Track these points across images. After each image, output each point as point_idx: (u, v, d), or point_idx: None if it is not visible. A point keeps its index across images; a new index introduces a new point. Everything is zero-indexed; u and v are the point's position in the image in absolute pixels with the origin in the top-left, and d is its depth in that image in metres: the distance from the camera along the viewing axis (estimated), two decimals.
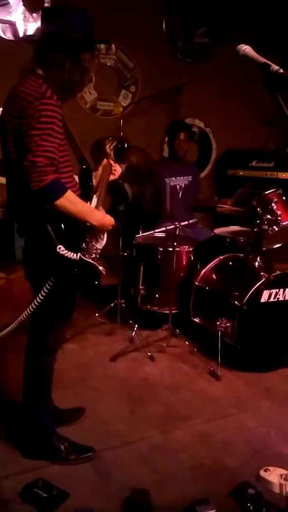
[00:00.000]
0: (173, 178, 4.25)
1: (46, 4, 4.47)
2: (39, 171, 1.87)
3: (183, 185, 4.29)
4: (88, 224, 2.08)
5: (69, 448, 2.34)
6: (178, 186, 4.28)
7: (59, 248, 1.97)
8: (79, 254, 2.02)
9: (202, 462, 2.39)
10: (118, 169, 2.39)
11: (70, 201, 1.98)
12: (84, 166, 2.18)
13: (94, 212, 2.12)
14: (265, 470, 2.27)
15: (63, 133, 2.01)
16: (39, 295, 2.07)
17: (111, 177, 2.38)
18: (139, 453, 2.44)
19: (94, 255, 2.11)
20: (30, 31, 4.44)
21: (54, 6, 2.00)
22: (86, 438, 2.45)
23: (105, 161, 2.40)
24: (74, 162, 2.18)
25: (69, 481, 2.20)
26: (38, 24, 4.45)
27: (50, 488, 2.11)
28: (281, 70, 1.47)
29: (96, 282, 2.13)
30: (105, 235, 2.21)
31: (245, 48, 1.56)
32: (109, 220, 2.16)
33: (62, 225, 2.00)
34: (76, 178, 2.18)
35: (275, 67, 1.48)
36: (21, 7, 4.41)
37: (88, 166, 2.19)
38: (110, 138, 2.62)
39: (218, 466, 2.37)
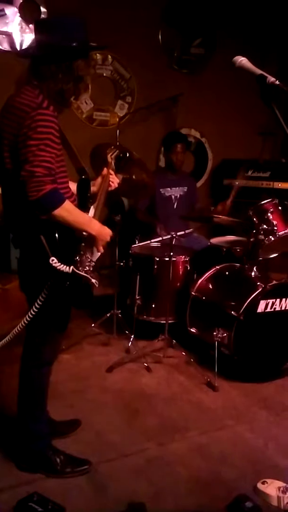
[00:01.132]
0: (168, 189, 4.26)
1: (42, 15, 4.50)
2: (37, 181, 1.87)
3: (178, 196, 4.30)
4: (86, 234, 2.08)
5: (65, 461, 2.32)
6: (173, 197, 4.28)
7: (52, 260, 1.96)
8: (71, 267, 2.01)
9: (199, 474, 2.37)
10: (115, 180, 2.39)
11: (68, 211, 1.98)
12: (83, 176, 2.18)
13: (92, 221, 2.12)
14: (263, 483, 2.24)
15: (60, 144, 2.01)
16: (33, 307, 2.06)
17: (109, 188, 2.38)
18: (135, 465, 2.41)
19: (87, 268, 2.09)
20: (27, 42, 4.46)
21: (46, 17, 2.01)
22: (81, 451, 2.43)
23: (105, 170, 2.40)
24: (72, 172, 2.18)
25: (65, 494, 2.17)
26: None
27: (46, 502, 2.08)
28: (277, 82, 1.48)
29: (89, 295, 2.12)
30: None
31: (242, 60, 1.57)
32: (107, 230, 2.16)
33: (56, 237, 1.99)
34: (73, 187, 2.18)
35: (271, 78, 1.49)
36: (18, 18, 4.43)
37: (87, 176, 2.19)
38: (112, 147, 2.61)
39: (215, 478, 2.34)
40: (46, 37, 2.03)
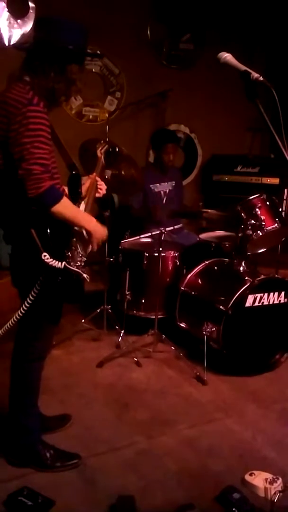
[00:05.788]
0: (157, 184, 4.25)
1: (31, 11, 4.48)
2: (36, 179, 1.90)
3: (167, 191, 4.29)
4: (82, 229, 2.12)
5: (55, 455, 2.33)
6: (162, 192, 4.28)
7: (44, 255, 1.98)
8: (63, 262, 2.03)
9: (188, 467, 2.40)
10: (103, 188, 2.39)
11: (66, 207, 2.02)
12: (73, 172, 2.20)
13: (88, 217, 2.17)
14: (250, 474, 2.28)
15: (51, 140, 2.02)
16: (26, 302, 2.07)
17: (97, 194, 2.40)
18: (125, 459, 2.44)
19: (79, 263, 2.12)
20: (15, 38, 4.44)
21: (49, 16, 2.05)
22: (72, 445, 2.44)
23: (92, 175, 2.41)
24: (63, 168, 2.19)
25: (55, 488, 2.19)
26: (23, 30, 4.46)
27: (36, 496, 2.10)
28: (261, 78, 1.49)
29: (80, 290, 2.14)
30: None
31: (226, 56, 1.58)
32: (103, 229, 2.21)
33: (48, 232, 2.00)
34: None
35: (255, 74, 1.50)
36: (6, 13, 4.41)
37: (78, 172, 2.21)
38: (102, 142, 2.62)
39: (203, 471, 2.37)
40: (44, 34, 2.05)
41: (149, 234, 3.85)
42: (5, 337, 2.17)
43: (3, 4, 4.39)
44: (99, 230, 2.19)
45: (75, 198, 2.19)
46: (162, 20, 5.15)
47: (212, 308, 3.27)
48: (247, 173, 5.24)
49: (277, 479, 2.22)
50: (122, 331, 3.56)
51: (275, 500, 2.12)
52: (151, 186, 4.21)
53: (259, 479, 2.24)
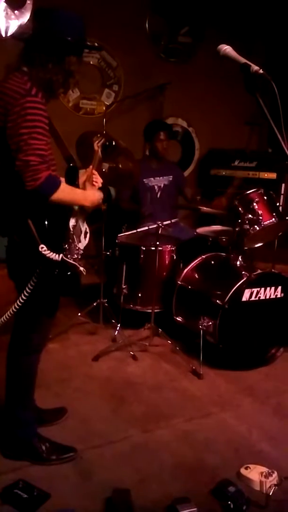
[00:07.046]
0: (152, 179, 4.22)
1: (28, 2, 4.44)
2: (33, 170, 1.89)
3: (162, 185, 4.27)
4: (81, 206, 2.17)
5: (50, 448, 2.33)
6: (156, 187, 4.25)
7: (42, 247, 1.97)
8: (61, 255, 2.02)
9: (184, 460, 2.40)
10: (98, 181, 2.38)
11: (65, 192, 2.03)
12: (71, 164, 2.19)
13: (85, 194, 2.21)
14: (246, 468, 2.29)
15: (48, 131, 2.01)
16: (22, 294, 2.07)
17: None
18: (121, 452, 2.44)
19: (76, 256, 2.11)
20: (12, 28, 4.41)
21: (47, 7, 2.06)
22: (67, 438, 2.44)
23: (89, 168, 2.39)
24: (61, 161, 2.18)
25: (50, 481, 2.19)
26: (20, 21, 4.42)
27: (31, 489, 2.10)
28: (261, 71, 1.48)
29: (76, 283, 2.14)
30: (88, 236, 2.23)
31: (226, 48, 1.57)
32: (98, 196, 2.26)
33: (46, 224, 2.00)
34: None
35: (255, 67, 1.49)
36: (3, 4, 4.37)
37: (75, 164, 2.20)
38: (99, 135, 2.60)
39: (199, 464, 2.38)
40: (43, 25, 2.03)
41: (146, 228, 3.84)
42: (1, 330, 2.16)
43: None
44: (95, 202, 2.23)
45: None
46: (160, 13, 5.12)
47: (208, 302, 3.27)
48: (244, 168, 5.23)
49: (272, 473, 2.23)
50: (119, 325, 3.56)
51: (271, 494, 2.14)
52: (144, 180, 4.18)
53: (254, 473, 2.24)
